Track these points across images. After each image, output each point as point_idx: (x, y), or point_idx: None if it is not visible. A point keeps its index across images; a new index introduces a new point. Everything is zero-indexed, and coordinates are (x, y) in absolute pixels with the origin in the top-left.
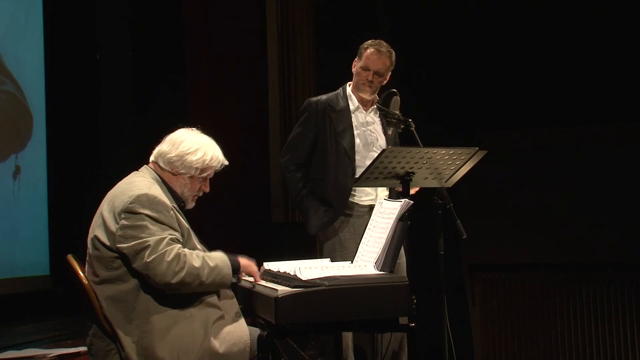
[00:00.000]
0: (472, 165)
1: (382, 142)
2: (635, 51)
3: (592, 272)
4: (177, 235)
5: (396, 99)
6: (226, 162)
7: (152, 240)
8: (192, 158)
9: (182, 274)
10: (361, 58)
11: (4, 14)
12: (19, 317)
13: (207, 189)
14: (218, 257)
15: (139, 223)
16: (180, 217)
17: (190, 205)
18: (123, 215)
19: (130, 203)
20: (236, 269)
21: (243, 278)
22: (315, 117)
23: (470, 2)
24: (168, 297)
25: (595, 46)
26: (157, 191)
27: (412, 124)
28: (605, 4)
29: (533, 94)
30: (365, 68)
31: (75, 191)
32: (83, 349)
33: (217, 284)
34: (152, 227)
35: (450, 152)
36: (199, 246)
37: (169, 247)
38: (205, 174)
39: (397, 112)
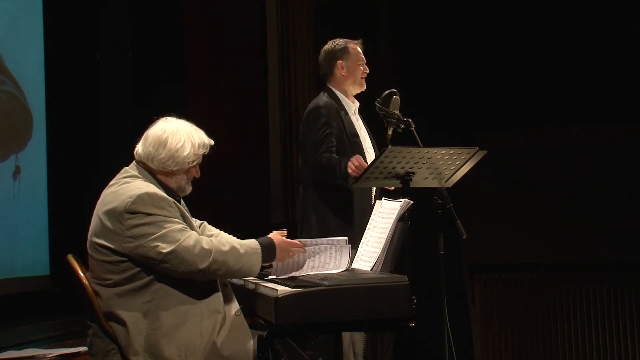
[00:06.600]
0: (472, 165)
1: (368, 142)
2: (635, 51)
3: (592, 272)
4: (186, 227)
5: (396, 99)
6: (212, 142)
7: (164, 232)
8: (183, 154)
9: (209, 259)
10: (350, 56)
11: (4, 14)
12: (19, 317)
13: (198, 174)
14: (248, 244)
15: (146, 220)
16: (184, 210)
17: (188, 190)
18: (127, 216)
19: (133, 203)
20: (272, 254)
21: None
22: (330, 118)
23: None
24: (179, 295)
25: (595, 46)
26: (155, 189)
27: (412, 123)
28: (605, 4)
29: (533, 94)
30: (362, 63)
31: (75, 191)
32: (83, 349)
33: (244, 271)
34: (161, 222)
35: (450, 152)
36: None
37: (184, 235)
38: (196, 162)
39: (397, 112)
